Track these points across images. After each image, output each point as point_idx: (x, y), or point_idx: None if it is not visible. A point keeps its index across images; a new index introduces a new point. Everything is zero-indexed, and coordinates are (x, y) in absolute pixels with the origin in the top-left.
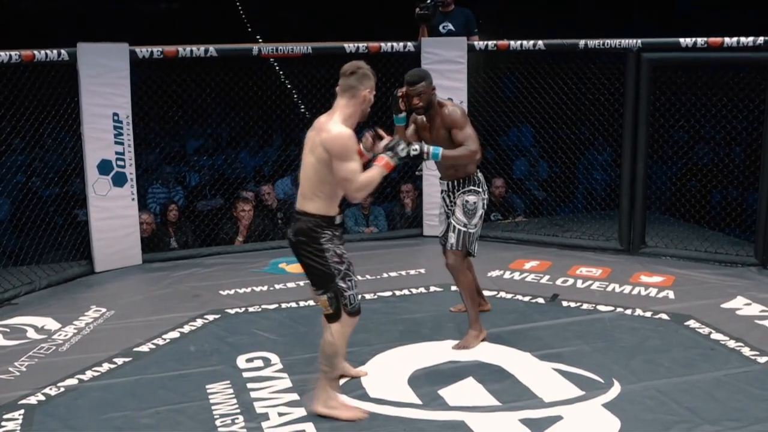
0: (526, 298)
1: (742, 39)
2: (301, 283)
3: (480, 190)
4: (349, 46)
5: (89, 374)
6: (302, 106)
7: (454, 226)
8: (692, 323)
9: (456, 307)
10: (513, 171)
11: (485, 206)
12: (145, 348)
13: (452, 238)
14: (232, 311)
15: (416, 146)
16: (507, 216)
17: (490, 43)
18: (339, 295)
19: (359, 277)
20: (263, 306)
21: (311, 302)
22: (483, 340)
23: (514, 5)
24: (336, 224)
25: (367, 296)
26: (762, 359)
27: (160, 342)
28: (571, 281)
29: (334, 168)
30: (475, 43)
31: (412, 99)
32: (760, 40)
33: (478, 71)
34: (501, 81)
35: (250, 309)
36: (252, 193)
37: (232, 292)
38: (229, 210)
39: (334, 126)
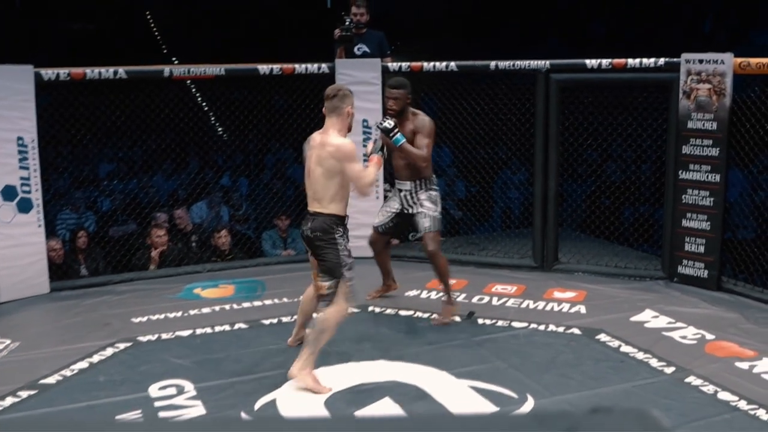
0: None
1: (645, 60)
2: (216, 308)
3: (437, 187)
4: (263, 68)
5: None
6: (219, 129)
7: (425, 214)
8: (603, 337)
9: (438, 320)
10: None
11: None
12: (51, 380)
13: (427, 222)
14: (144, 339)
15: (391, 121)
16: None
17: (404, 64)
18: (342, 283)
19: (277, 300)
20: (177, 333)
21: (227, 327)
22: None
23: (432, 28)
24: (345, 223)
25: (284, 319)
26: (669, 370)
27: (68, 373)
28: (486, 299)
29: (346, 171)
30: (389, 64)
31: (389, 101)
32: (661, 61)
33: None
34: (419, 102)
35: (164, 336)
36: (164, 215)
37: (144, 319)
38: (142, 235)
39: (335, 139)
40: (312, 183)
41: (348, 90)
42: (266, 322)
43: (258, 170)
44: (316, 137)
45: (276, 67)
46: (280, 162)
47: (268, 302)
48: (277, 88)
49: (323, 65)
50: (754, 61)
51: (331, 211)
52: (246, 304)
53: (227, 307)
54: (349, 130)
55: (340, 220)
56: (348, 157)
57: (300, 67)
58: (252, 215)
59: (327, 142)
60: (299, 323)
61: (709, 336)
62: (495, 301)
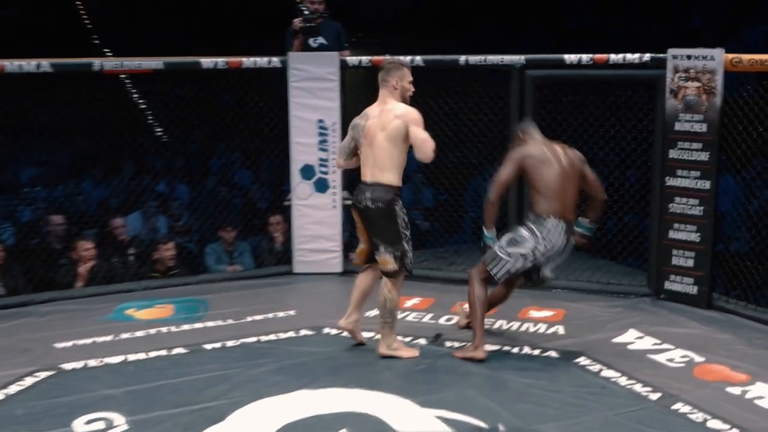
0: (407, 339)
1: (628, 55)
2: (152, 331)
3: (534, 229)
4: (206, 62)
5: None
6: (158, 129)
7: (498, 244)
8: (583, 360)
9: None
10: None
11: (537, 255)
12: None
13: (486, 252)
14: (68, 367)
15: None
16: None
17: (364, 58)
18: (403, 255)
19: (221, 322)
20: (106, 360)
21: (164, 352)
22: (479, 360)
23: (398, 20)
24: (401, 195)
25: (229, 343)
26: (654, 396)
27: None
28: (455, 319)
29: (412, 133)
30: (348, 58)
31: None
32: (647, 56)
33: (356, 89)
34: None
35: (91, 363)
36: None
37: (69, 344)
38: (67, 249)
39: (399, 106)
40: (375, 151)
41: (398, 62)
42: (208, 346)
43: (201, 176)
44: (374, 109)
45: (221, 60)
46: (226, 166)
47: (210, 324)
48: (223, 85)
49: (274, 59)
50: (746, 57)
51: (390, 181)
52: (186, 326)
53: (164, 329)
54: (403, 100)
55: (399, 192)
56: (415, 120)
57: (248, 61)
58: (194, 226)
59: (392, 109)
60: (356, 302)
61: (698, 359)
62: (464, 322)
